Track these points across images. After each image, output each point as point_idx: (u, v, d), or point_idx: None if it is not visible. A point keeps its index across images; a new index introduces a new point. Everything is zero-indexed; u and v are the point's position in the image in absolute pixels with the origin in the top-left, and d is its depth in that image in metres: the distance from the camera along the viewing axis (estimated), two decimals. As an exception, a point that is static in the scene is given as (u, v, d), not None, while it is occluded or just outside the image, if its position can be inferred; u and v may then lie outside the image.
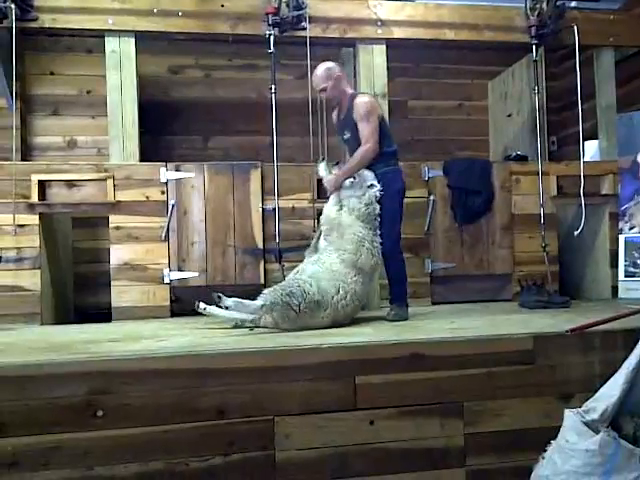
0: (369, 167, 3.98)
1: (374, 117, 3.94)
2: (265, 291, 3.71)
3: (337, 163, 4.16)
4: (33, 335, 3.82)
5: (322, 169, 4.14)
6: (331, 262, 3.80)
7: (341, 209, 3.93)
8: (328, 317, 3.68)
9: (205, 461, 2.77)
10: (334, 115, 4.27)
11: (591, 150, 5.60)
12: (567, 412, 2.73)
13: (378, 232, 3.92)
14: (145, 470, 2.72)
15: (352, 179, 3.95)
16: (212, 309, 3.71)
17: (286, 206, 4.81)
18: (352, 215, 3.88)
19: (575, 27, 5.23)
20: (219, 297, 3.68)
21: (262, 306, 3.59)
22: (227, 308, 3.67)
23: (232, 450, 2.80)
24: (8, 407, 2.62)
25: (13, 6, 4.37)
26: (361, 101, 3.98)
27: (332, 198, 4.02)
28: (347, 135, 4.12)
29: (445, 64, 6.73)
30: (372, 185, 3.91)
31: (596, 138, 5.62)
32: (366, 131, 3.91)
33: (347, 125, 4.06)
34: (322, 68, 4.03)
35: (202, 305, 3.70)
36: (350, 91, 4.15)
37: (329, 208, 4.00)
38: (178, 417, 2.76)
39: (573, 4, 5.50)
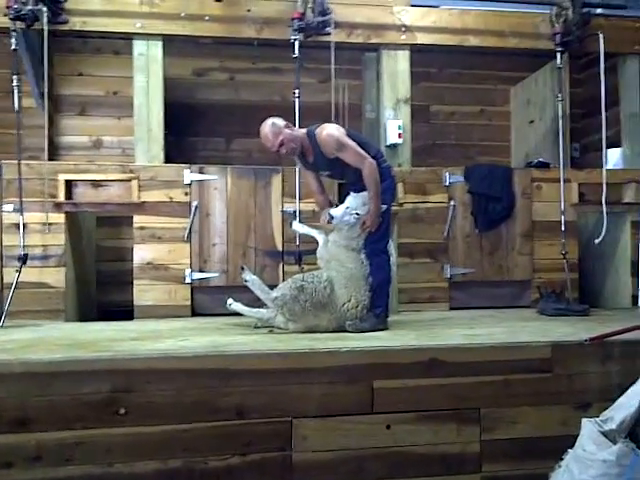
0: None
1: (347, 140, 3.76)
2: (280, 285, 3.89)
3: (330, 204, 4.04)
4: (58, 332, 3.89)
5: (300, 226, 4.23)
6: (344, 275, 3.81)
7: (328, 243, 3.93)
8: (332, 321, 3.75)
9: (223, 460, 2.83)
10: (297, 160, 4.10)
11: (614, 158, 5.57)
12: (585, 421, 2.74)
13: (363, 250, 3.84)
14: (164, 468, 2.78)
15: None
16: (237, 306, 3.93)
17: (306, 209, 4.84)
18: (340, 247, 3.87)
19: (600, 35, 5.19)
20: (242, 268, 4.01)
21: (275, 298, 3.75)
22: (247, 282, 3.90)
23: (250, 450, 2.85)
24: (33, 402, 2.70)
25: (45, 9, 4.47)
26: (326, 137, 3.75)
27: (321, 240, 4.00)
28: (327, 172, 4.02)
29: (468, 69, 6.71)
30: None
31: (619, 146, 5.58)
32: (352, 158, 3.76)
33: (323, 164, 3.90)
34: (267, 128, 3.76)
35: (229, 300, 3.95)
36: (303, 131, 3.90)
37: (319, 250, 4.00)
38: (198, 416, 2.82)
39: (599, 11, 5.46)
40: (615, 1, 5.45)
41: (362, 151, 3.78)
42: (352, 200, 3.84)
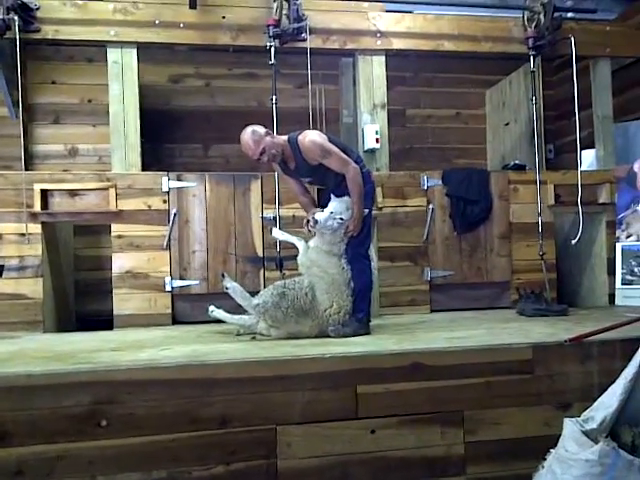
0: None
1: (330, 146, 3.75)
2: (262, 291, 3.89)
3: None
4: (37, 344, 3.84)
5: (280, 233, 4.18)
6: (326, 280, 3.82)
7: (308, 249, 3.91)
8: (315, 327, 3.76)
9: (208, 470, 2.81)
10: (277, 168, 4.08)
11: (588, 159, 5.65)
12: (566, 421, 2.76)
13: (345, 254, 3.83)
14: (148, 479, 2.75)
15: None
16: (219, 313, 3.94)
17: (286, 215, 4.83)
18: (320, 253, 3.86)
19: (572, 38, 5.27)
20: (223, 276, 4.00)
21: (256, 305, 3.74)
22: (228, 289, 3.89)
23: (234, 459, 2.83)
24: (13, 416, 2.65)
25: (16, 18, 4.41)
26: (310, 144, 3.73)
27: (301, 247, 3.97)
28: (308, 179, 4.02)
29: (443, 73, 6.78)
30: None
31: (593, 146, 5.66)
32: (337, 163, 3.75)
33: (305, 170, 3.89)
34: (248, 136, 3.73)
35: (211, 307, 3.98)
36: (284, 138, 3.86)
37: (299, 257, 3.97)
38: (181, 426, 2.79)
39: (570, 15, 5.54)
40: (585, 5, 5.54)
41: (346, 156, 3.78)
42: (336, 205, 3.83)
